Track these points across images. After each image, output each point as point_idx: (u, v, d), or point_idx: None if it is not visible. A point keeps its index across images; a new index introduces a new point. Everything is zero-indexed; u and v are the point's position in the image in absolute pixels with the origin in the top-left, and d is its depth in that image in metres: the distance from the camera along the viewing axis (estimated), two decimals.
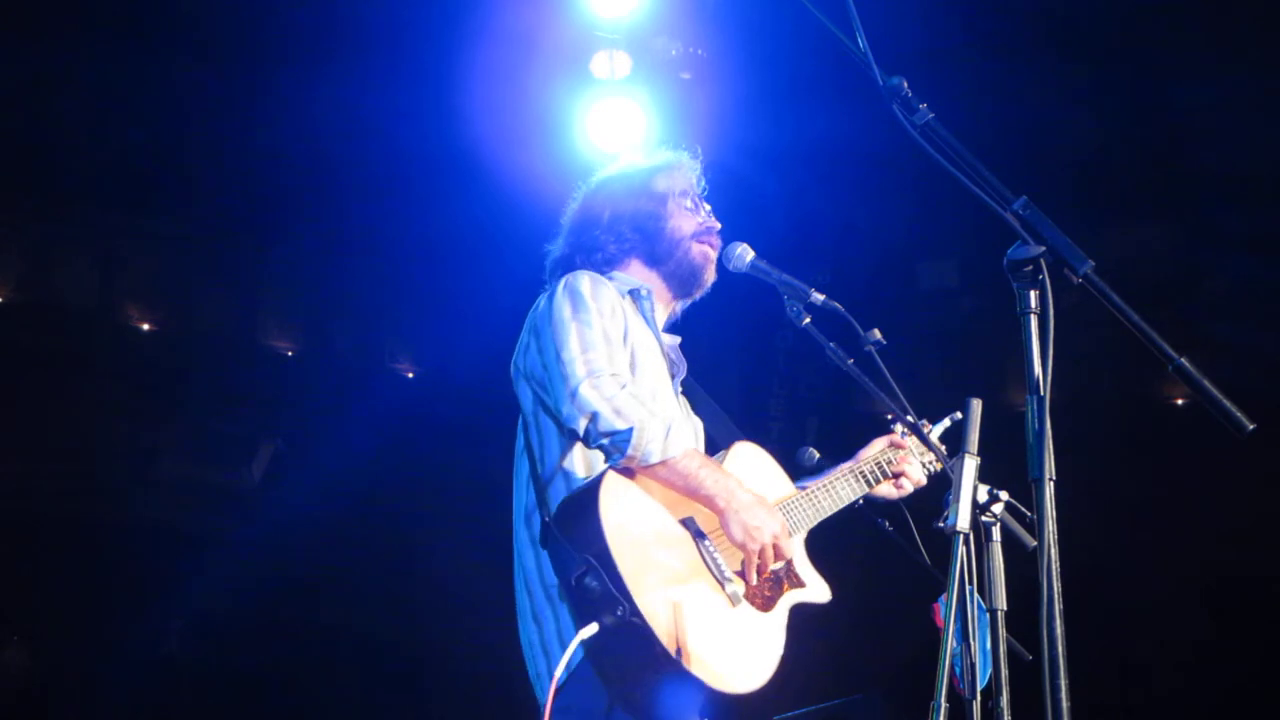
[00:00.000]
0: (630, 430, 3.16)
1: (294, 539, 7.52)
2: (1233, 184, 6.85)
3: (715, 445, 3.64)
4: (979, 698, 2.70)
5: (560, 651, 3.23)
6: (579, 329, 3.31)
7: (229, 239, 7.71)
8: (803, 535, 3.61)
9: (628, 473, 3.24)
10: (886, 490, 3.87)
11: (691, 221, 3.71)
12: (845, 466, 3.82)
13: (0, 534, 7.41)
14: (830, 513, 3.71)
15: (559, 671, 3.05)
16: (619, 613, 3.03)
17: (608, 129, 6.38)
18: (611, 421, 3.16)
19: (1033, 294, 2.54)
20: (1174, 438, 7.29)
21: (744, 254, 3.67)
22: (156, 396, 7.85)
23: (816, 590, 3.54)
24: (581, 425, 3.18)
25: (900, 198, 7.08)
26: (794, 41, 6.30)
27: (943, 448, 3.67)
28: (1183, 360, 2.47)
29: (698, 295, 3.76)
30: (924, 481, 3.91)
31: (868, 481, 3.81)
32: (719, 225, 3.75)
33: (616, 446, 3.17)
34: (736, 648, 3.26)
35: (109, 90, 6.78)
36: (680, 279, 3.69)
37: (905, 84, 2.65)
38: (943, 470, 3.86)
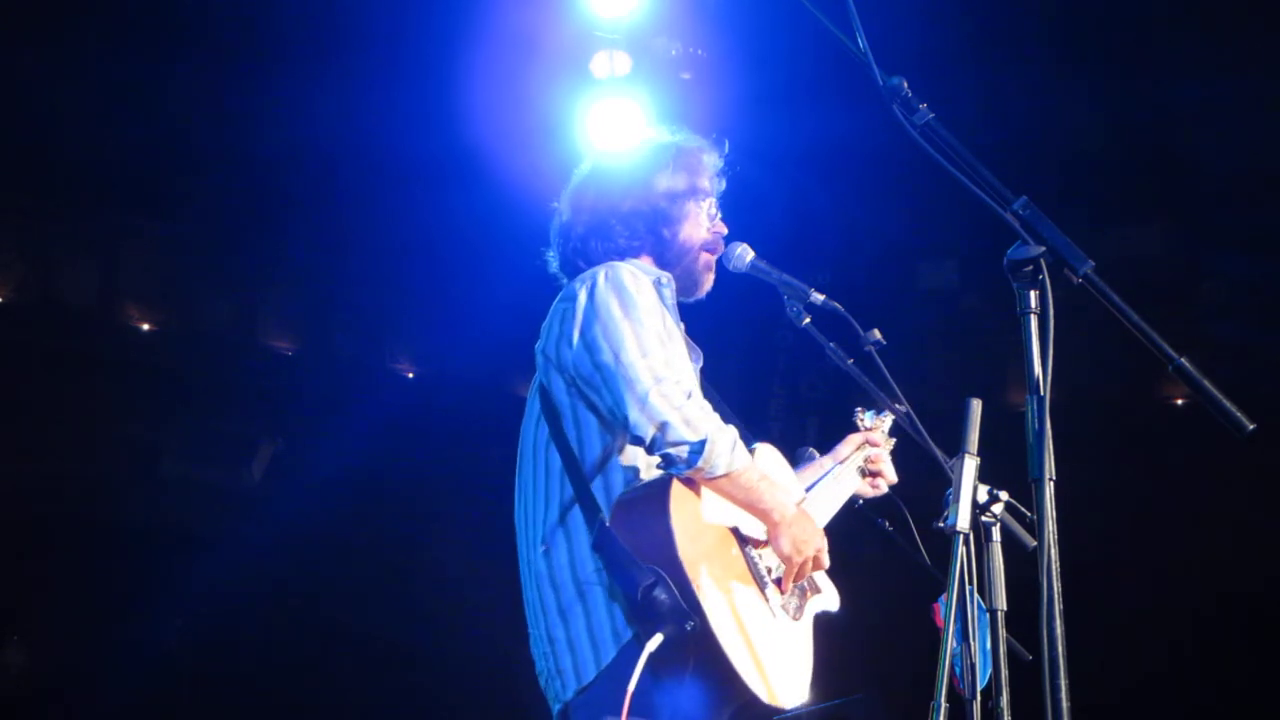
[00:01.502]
0: (703, 443, 3.12)
1: (294, 539, 7.51)
2: (1233, 184, 6.85)
3: None
4: (979, 698, 2.70)
5: (591, 649, 3.20)
6: (634, 329, 3.24)
7: (229, 239, 7.71)
8: None
9: (689, 480, 3.21)
10: (863, 488, 3.88)
11: (702, 229, 3.65)
12: (834, 466, 3.83)
13: (0, 534, 7.41)
14: (834, 512, 3.73)
15: (632, 686, 3.02)
16: (689, 626, 3.02)
17: (608, 129, 6.38)
18: (682, 432, 3.12)
19: (1033, 294, 2.54)
20: (1174, 438, 7.28)
21: (744, 254, 3.66)
22: (156, 396, 7.85)
23: (830, 597, 3.57)
24: (649, 433, 3.13)
25: (900, 198, 7.08)
26: (794, 41, 6.30)
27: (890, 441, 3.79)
28: (1183, 360, 2.47)
29: (691, 300, 3.75)
30: (895, 479, 3.92)
31: (860, 475, 3.84)
32: (726, 230, 3.73)
33: (686, 458, 3.13)
34: (785, 661, 3.28)
35: (109, 90, 6.78)
36: (682, 285, 3.67)
37: (905, 84, 2.65)
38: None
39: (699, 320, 3.87)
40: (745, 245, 3.67)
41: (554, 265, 3.72)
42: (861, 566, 3.94)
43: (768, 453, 3.57)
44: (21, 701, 7.74)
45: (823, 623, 3.53)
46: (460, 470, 7.82)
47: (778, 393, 8.09)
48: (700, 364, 3.66)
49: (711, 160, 3.74)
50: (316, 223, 7.52)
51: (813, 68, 6.46)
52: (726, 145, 3.80)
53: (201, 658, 7.77)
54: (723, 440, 3.16)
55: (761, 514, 3.28)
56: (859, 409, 3.91)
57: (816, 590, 3.51)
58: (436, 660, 8.01)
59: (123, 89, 6.76)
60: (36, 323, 7.49)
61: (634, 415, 3.14)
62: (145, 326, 7.81)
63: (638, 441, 3.18)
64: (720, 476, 3.18)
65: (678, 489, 3.17)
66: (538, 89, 6.45)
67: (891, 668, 6.65)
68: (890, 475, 3.91)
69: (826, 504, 3.70)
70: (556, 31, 6.37)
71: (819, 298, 3.55)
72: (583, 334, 3.30)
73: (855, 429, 3.94)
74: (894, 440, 3.94)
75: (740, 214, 3.93)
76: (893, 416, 3.87)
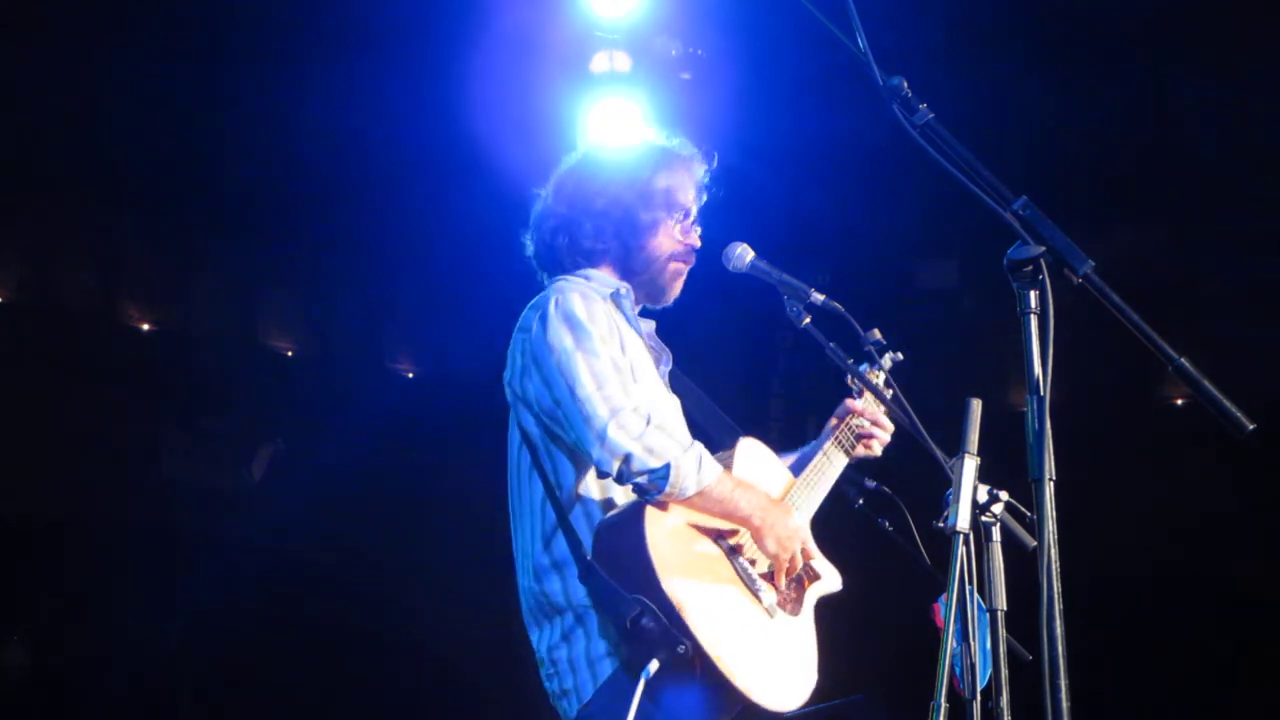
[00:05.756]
0: (666, 467, 3.16)
1: (294, 539, 7.51)
2: (1233, 184, 6.85)
3: (696, 429, 3.63)
4: (979, 698, 2.70)
5: (588, 668, 3.26)
6: (587, 360, 3.27)
7: (229, 239, 7.70)
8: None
9: (661, 503, 3.24)
10: (860, 452, 3.86)
11: (673, 242, 3.64)
12: (822, 444, 3.82)
13: (0, 534, 7.41)
14: (825, 493, 3.73)
15: (631, 714, 3.07)
16: (680, 650, 3.06)
17: (608, 129, 6.37)
18: (645, 461, 3.16)
19: (1033, 294, 2.54)
20: (1174, 438, 7.28)
21: (744, 254, 3.66)
22: (156, 396, 7.84)
23: (830, 579, 3.58)
24: (614, 467, 3.17)
25: (900, 198, 7.08)
26: (794, 41, 6.30)
27: (889, 392, 3.66)
28: (1183, 360, 2.47)
29: (658, 308, 3.73)
30: (891, 428, 3.85)
31: (846, 451, 3.82)
32: (699, 244, 3.70)
33: (653, 484, 3.17)
34: (786, 663, 3.32)
35: (109, 89, 6.77)
36: (647, 292, 3.66)
37: (905, 84, 2.66)
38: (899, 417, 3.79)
39: (700, 321, 3.87)
40: (745, 245, 3.66)
41: (529, 250, 3.74)
42: (861, 566, 3.93)
43: (751, 447, 3.58)
44: (22, 701, 7.74)
45: (823, 624, 3.53)
46: (460, 470, 7.81)
47: (778, 393, 8.09)
48: (669, 365, 3.66)
49: (698, 173, 3.71)
50: (316, 222, 7.52)
51: (813, 68, 6.46)
52: (716, 159, 3.79)
53: (201, 658, 7.76)
54: (687, 461, 3.19)
55: (742, 521, 3.32)
56: (852, 362, 3.79)
57: (815, 578, 3.51)
58: (436, 660, 8.01)
59: (123, 88, 6.75)
60: (36, 323, 7.48)
61: (596, 452, 3.18)
62: (145, 326, 7.81)
63: (604, 476, 3.23)
64: (693, 495, 3.21)
65: (651, 512, 3.21)
66: (538, 88, 6.45)
67: (891, 668, 6.64)
68: (883, 436, 3.84)
69: (814, 490, 3.70)
70: (556, 31, 6.37)
71: (819, 298, 3.54)
72: (539, 369, 3.34)
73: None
74: (891, 390, 3.76)
75: (740, 214, 3.92)
76: (889, 365, 3.78)
